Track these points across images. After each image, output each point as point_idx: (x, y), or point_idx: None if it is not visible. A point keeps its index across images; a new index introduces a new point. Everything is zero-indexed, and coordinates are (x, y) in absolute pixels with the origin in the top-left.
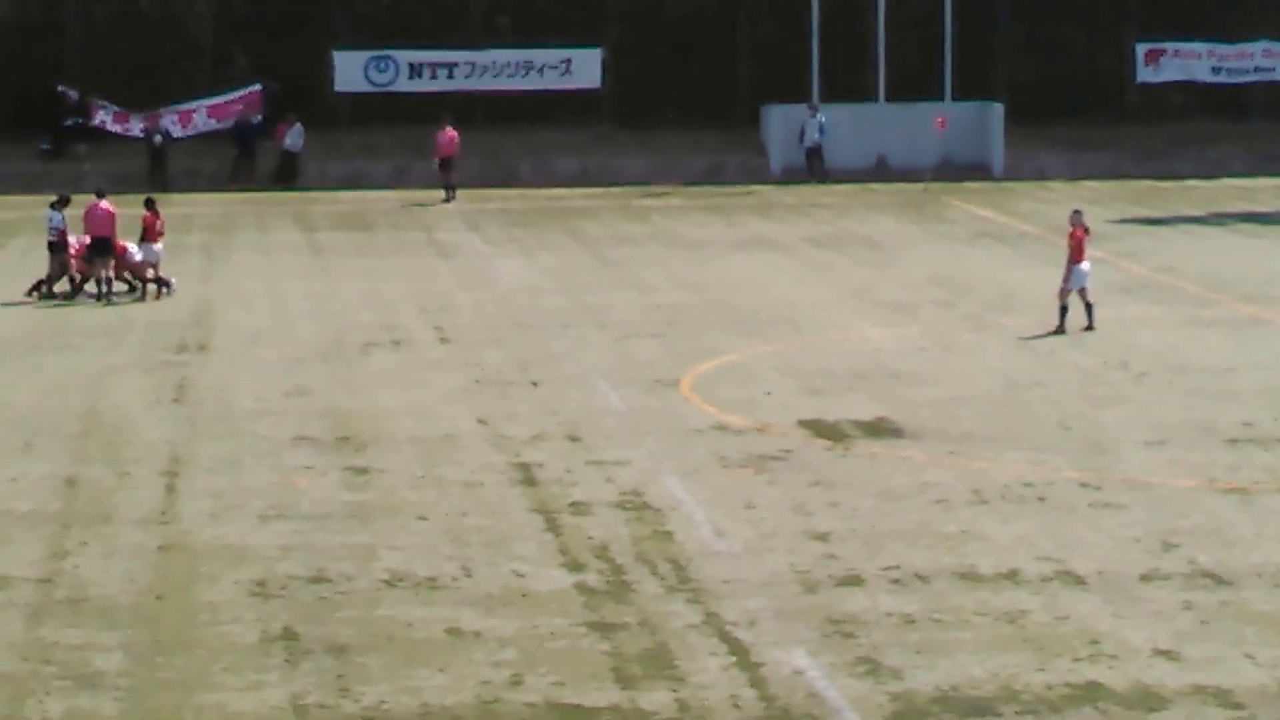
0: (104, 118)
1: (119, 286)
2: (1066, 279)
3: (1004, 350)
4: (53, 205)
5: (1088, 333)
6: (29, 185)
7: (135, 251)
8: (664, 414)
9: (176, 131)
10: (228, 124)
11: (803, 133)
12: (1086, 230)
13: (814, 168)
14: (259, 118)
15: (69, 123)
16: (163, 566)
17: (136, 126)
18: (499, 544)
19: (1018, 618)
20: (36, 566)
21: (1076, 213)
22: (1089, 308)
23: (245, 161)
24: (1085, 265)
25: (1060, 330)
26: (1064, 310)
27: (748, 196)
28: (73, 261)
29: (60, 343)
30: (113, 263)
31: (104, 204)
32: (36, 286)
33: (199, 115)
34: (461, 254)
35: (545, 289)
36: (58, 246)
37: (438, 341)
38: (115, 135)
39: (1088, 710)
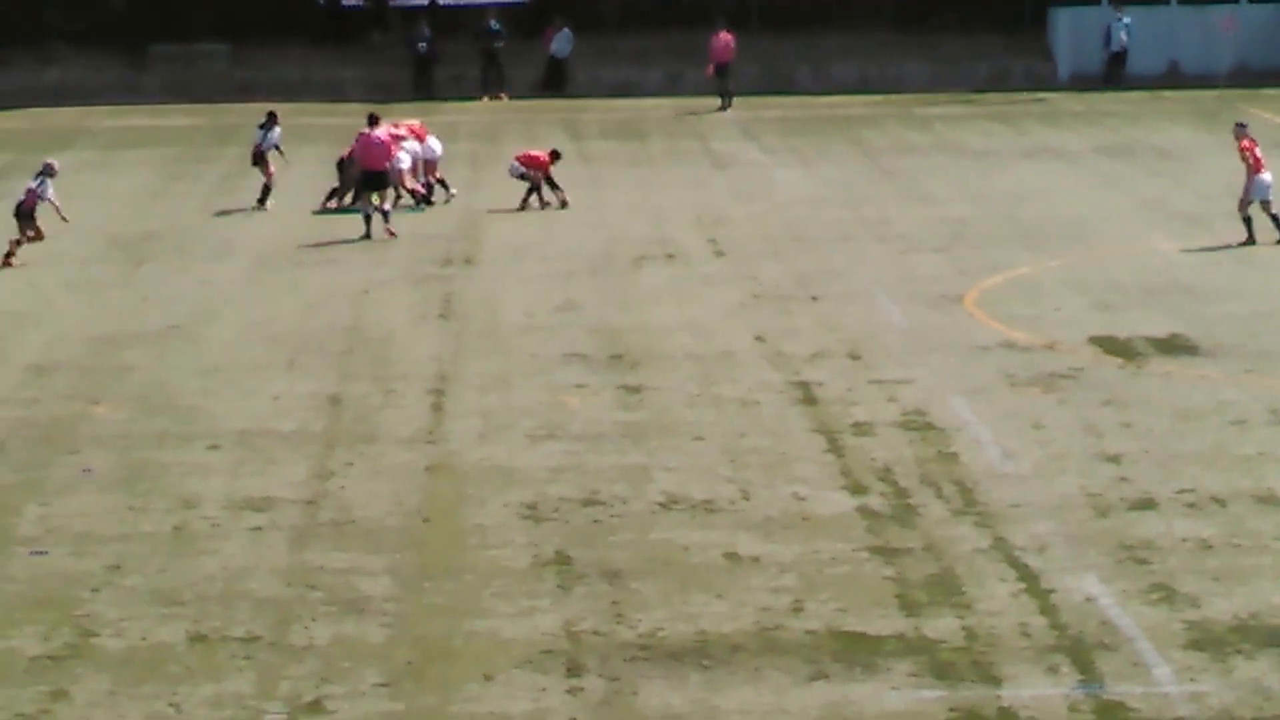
0: None
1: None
2: (1247, 191)
3: None
4: (262, 125)
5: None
6: (291, 91)
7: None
8: (948, 330)
9: None
10: None
11: (1108, 36)
12: (1254, 140)
13: (1115, 74)
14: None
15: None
16: (430, 488)
17: None
18: (778, 465)
19: None
20: (301, 488)
21: (1240, 125)
22: (1275, 219)
23: (493, 70)
24: (1266, 176)
25: (1250, 241)
26: (1248, 221)
27: (1034, 104)
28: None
29: (322, 257)
30: (389, 193)
31: (377, 132)
32: (331, 195)
33: None
34: (737, 164)
35: (824, 200)
36: (260, 158)
37: (713, 255)
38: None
39: None
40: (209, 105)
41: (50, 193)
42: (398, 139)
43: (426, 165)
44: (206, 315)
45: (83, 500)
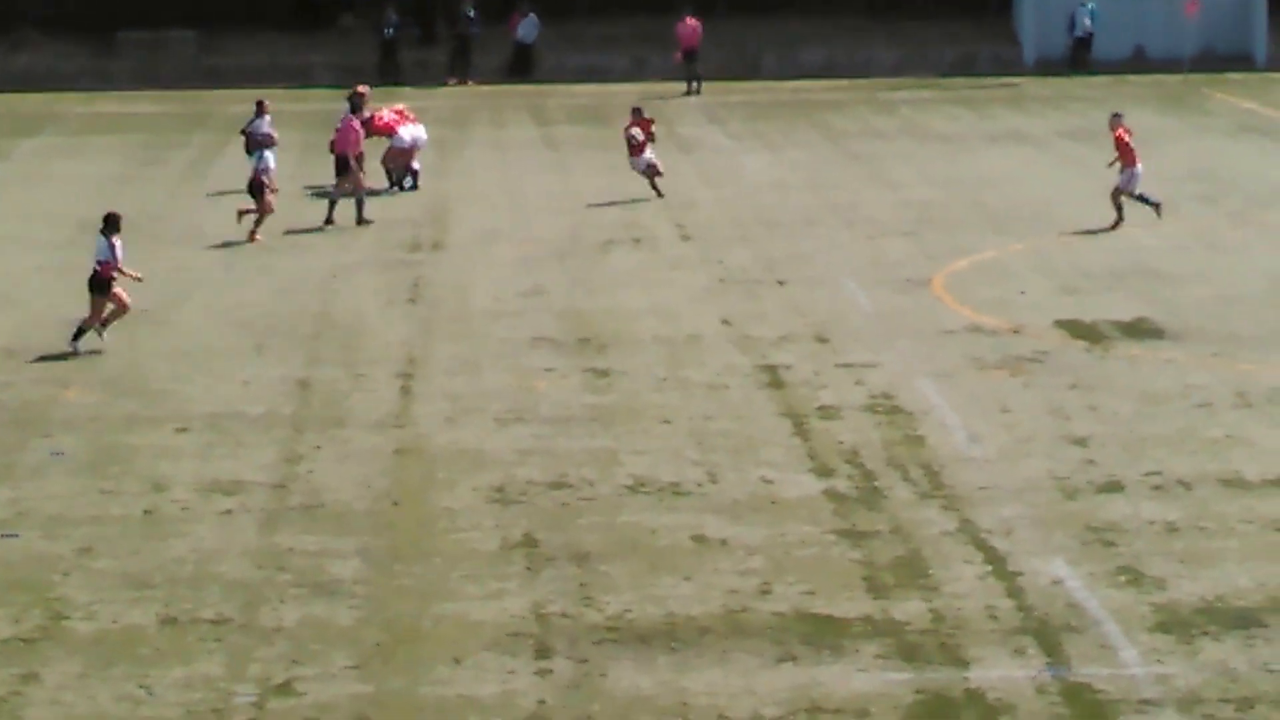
0: None
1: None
2: (1126, 183)
3: (1270, 248)
4: (257, 110)
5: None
6: (259, 77)
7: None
8: (915, 314)
9: None
10: None
11: (1073, 22)
12: (1128, 130)
13: (1080, 58)
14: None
15: None
16: (399, 471)
17: None
18: (745, 449)
19: None
20: (270, 471)
21: (1115, 115)
22: (1143, 199)
23: (462, 55)
24: (1139, 168)
25: (1120, 223)
26: (1120, 206)
27: (1000, 88)
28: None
29: (291, 242)
30: (355, 180)
31: (353, 120)
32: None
33: None
34: (704, 149)
35: (791, 185)
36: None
37: (680, 239)
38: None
39: None
40: (178, 91)
41: (270, 165)
42: (403, 117)
43: (410, 151)
44: (176, 300)
45: (53, 483)
